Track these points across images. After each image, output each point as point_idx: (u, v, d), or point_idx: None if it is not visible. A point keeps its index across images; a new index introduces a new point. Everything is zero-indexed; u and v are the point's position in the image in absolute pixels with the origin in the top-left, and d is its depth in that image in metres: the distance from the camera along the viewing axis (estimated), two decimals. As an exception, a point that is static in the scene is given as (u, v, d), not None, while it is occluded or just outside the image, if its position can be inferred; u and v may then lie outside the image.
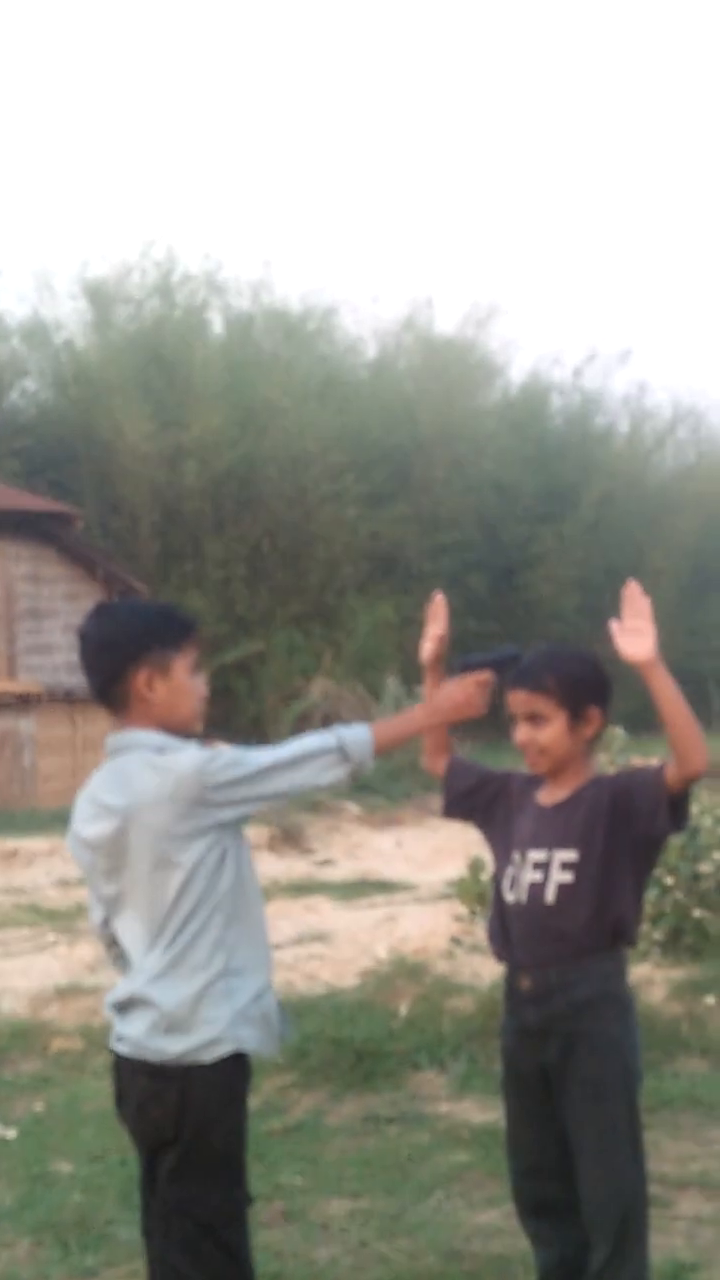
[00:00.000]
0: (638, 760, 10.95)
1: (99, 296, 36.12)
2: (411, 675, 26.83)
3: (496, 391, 40.82)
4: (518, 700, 4.00)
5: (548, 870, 3.92)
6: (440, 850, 17.51)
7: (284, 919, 12.56)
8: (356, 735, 3.68)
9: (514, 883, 3.99)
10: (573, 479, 38.10)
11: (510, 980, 4.04)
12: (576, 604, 37.03)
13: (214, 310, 37.89)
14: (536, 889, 3.93)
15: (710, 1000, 7.79)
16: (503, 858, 4.08)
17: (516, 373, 42.04)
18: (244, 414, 33.56)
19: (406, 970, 8.46)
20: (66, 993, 9.08)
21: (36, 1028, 8.50)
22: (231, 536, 33.96)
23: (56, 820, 18.70)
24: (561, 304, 70.77)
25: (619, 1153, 3.86)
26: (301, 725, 29.79)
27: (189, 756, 3.60)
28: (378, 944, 10.21)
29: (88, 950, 10.29)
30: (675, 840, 8.79)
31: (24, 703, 26.36)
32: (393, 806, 22.21)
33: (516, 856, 4.00)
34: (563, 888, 3.89)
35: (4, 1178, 6.25)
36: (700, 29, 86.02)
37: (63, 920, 12.62)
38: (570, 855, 3.90)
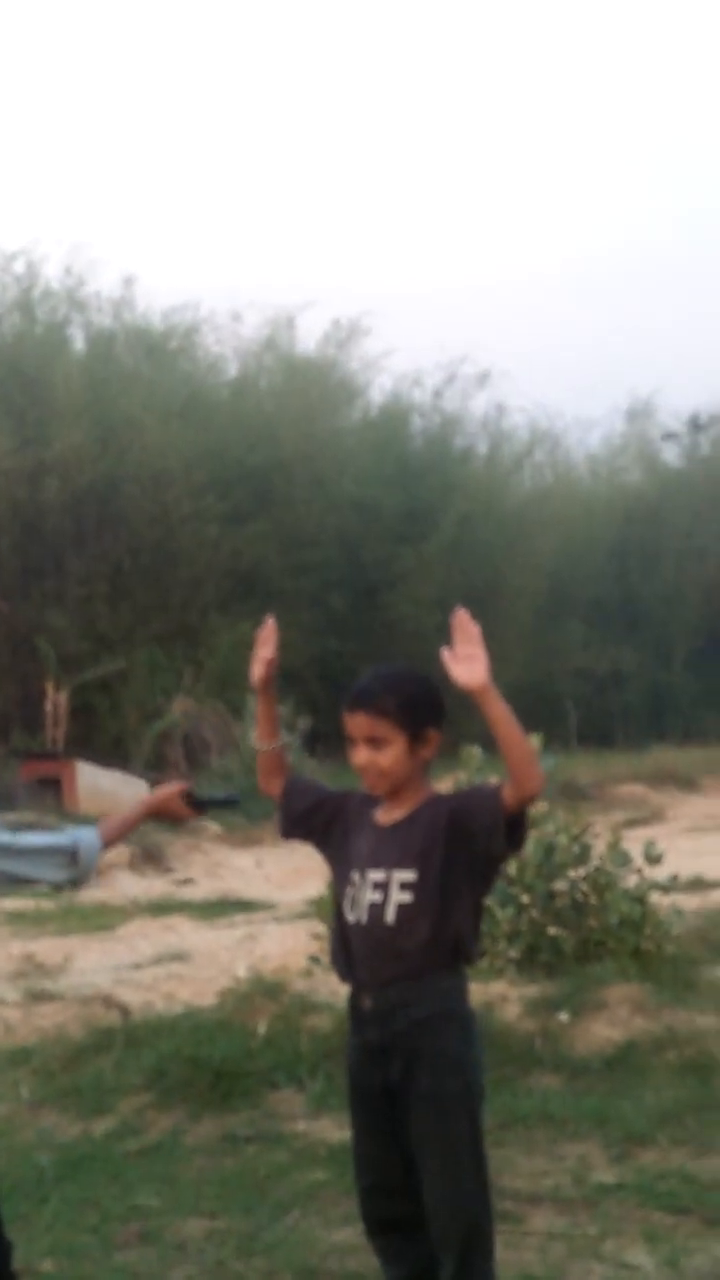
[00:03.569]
0: (494, 779, 11.10)
1: (-42, 311, 35.78)
2: (272, 694, 26.83)
3: (357, 411, 40.98)
4: (357, 723, 4.01)
5: (387, 890, 3.94)
6: (299, 869, 17.55)
7: (143, 938, 12.55)
8: (89, 843, 3.81)
9: (354, 903, 4.00)
10: (433, 499, 38.32)
11: (353, 1000, 4.08)
12: (436, 623, 37.14)
13: (75, 327, 37.67)
14: (376, 909, 3.95)
15: (564, 1017, 7.90)
16: (342, 878, 4.09)
17: (377, 393, 42.13)
18: (105, 431, 33.39)
19: (265, 989, 8.49)
20: None
21: None
22: (93, 554, 33.75)
23: None
24: (422, 326, 71.23)
25: (461, 1170, 3.91)
26: (163, 744, 29.67)
27: None
28: (237, 963, 10.24)
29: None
30: (531, 859, 8.91)
31: None
32: (252, 826, 22.19)
33: (355, 876, 4.01)
34: (402, 908, 3.92)
35: None
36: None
37: None
38: (409, 875, 3.92)
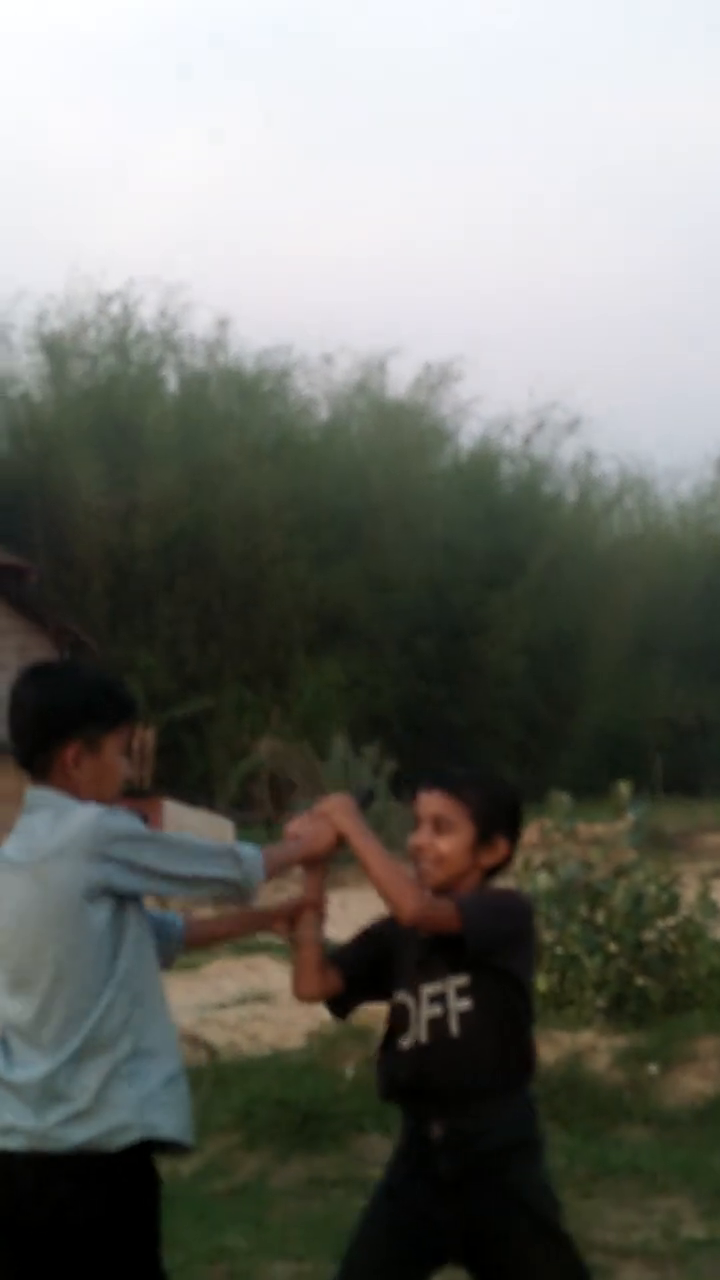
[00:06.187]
0: (583, 827, 11.07)
1: (55, 351, 36.27)
2: (359, 735, 26.87)
3: (447, 456, 41.07)
4: (429, 801, 3.81)
5: (445, 1002, 3.69)
6: (384, 912, 17.53)
7: (227, 978, 12.57)
8: (251, 849, 3.61)
9: (411, 1024, 3.74)
10: (521, 545, 38.30)
11: (414, 1128, 3.75)
12: (523, 668, 37.17)
13: (169, 368, 38.09)
14: (438, 1024, 3.69)
15: (653, 1069, 7.84)
16: (390, 1003, 3.84)
17: (467, 438, 42.19)
18: (197, 473, 33.67)
19: (352, 1032, 8.46)
20: None
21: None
22: (182, 594, 34.00)
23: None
24: (513, 372, 71.33)
25: None
26: (249, 784, 29.77)
27: (89, 809, 3.47)
28: (322, 1006, 10.24)
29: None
30: (620, 908, 8.87)
31: (-29, 755, 26.18)
32: (337, 867, 22.20)
33: (405, 997, 3.78)
34: (464, 1016, 3.67)
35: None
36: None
37: None
38: (464, 980, 3.69)
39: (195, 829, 23.11)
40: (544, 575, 38.38)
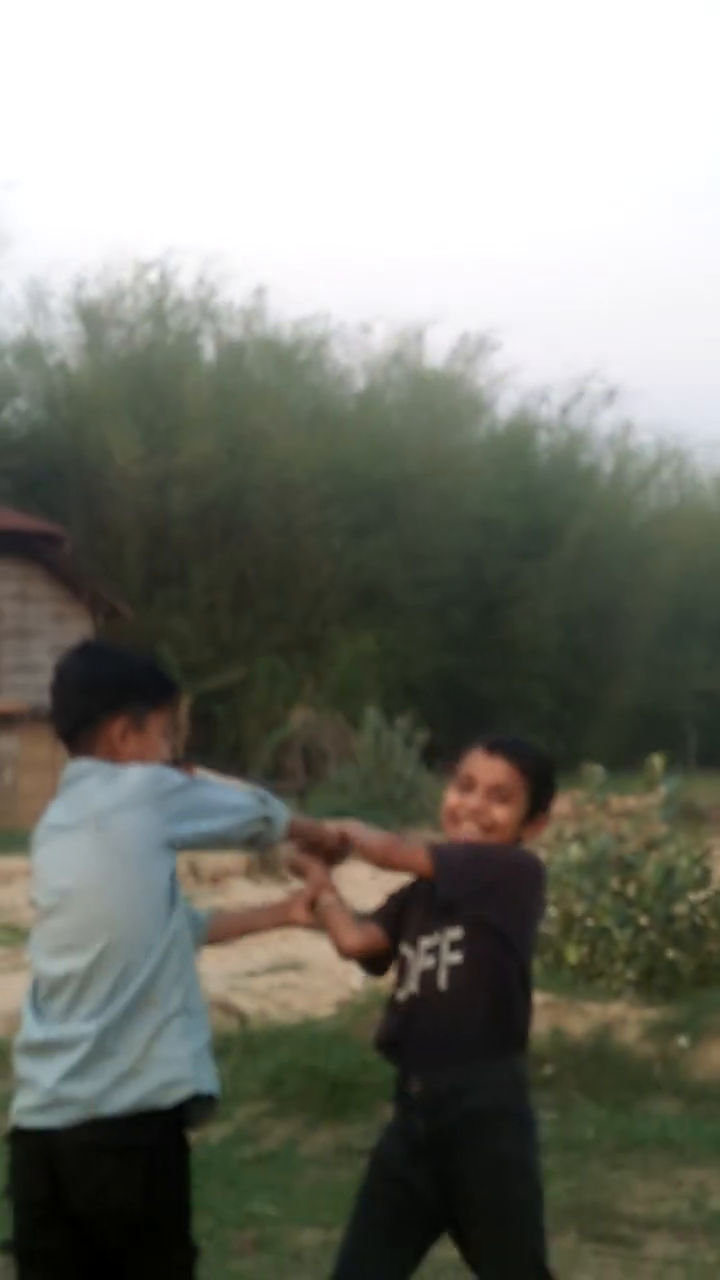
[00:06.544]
0: (615, 799, 11.04)
1: (92, 319, 36.31)
2: (392, 706, 26.87)
3: (483, 427, 40.99)
4: (490, 768, 3.76)
5: (438, 954, 3.64)
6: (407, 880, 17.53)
7: (259, 947, 12.57)
8: (277, 801, 3.62)
9: (405, 978, 3.70)
10: (557, 517, 38.21)
11: (400, 1083, 3.69)
12: (557, 641, 37.12)
13: (206, 337, 38.10)
14: (429, 975, 3.65)
15: (683, 1041, 7.83)
16: (398, 957, 3.80)
17: (503, 409, 42.07)
18: (233, 441, 33.68)
19: (381, 1001, 8.47)
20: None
21: (10, 1048, 8.50)
22: (217, 563, 34.03)
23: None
24: (550, 341, 71.06)
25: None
26: (281, 753, 29.80)
27: (140, 767, 3.45)
28: (352, 974, 10.25)
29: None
30: (651, 881, 8.86)
31: (7, 721, 26.31)
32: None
33: (407, 950, 3.73)
34: (453, 970, 3.62)
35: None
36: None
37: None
38: (457, 933, 3.64)
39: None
40: (579, 547, 38.28)
